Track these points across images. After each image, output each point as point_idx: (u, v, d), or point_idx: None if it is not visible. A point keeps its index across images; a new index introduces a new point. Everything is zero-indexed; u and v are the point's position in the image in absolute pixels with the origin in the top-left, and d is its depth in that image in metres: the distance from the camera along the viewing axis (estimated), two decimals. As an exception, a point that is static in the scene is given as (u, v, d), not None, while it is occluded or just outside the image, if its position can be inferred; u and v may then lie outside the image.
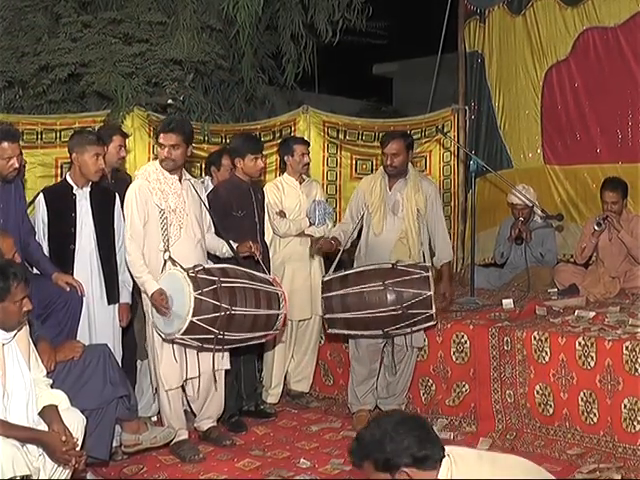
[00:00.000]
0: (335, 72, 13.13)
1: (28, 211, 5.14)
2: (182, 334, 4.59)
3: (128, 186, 5.06)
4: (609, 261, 6.50)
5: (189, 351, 4.94)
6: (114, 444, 4.74)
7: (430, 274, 5.16)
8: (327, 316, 5.21)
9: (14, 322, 3.60)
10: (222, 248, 5.23)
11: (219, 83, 9.07)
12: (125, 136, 5.67)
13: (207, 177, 6.35)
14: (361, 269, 5.31)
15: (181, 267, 4.70)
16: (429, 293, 5.09)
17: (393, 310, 5.06)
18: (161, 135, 4.94)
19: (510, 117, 8.23)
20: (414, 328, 5.29)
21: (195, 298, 4.53)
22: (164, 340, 4.83)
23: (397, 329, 5.20)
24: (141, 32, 7.59)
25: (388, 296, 5.08)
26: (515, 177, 7.74)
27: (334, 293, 5.16)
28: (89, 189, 5.01)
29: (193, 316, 4.52)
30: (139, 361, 5.55)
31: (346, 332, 5.37)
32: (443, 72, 9.02)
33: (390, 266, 5.21)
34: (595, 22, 7.51)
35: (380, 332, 5.23)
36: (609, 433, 4.81)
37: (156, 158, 5.17)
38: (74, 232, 4.93)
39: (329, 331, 5.34)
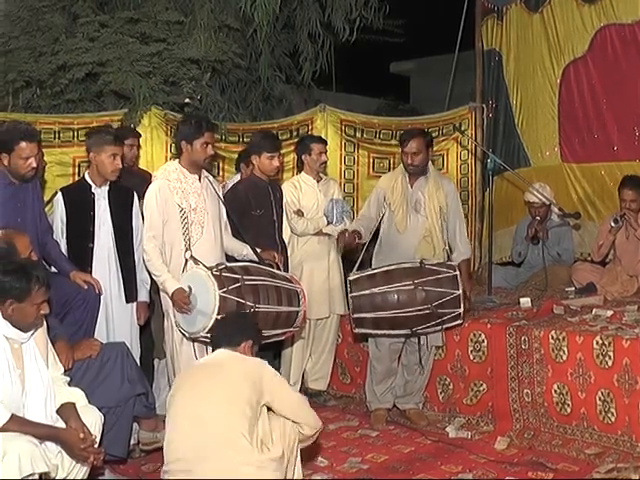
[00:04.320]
0: (352, 70, 13.11)
1: (46, 210, 5.18)
2: (206, 332, 4.58)
3: (142, 183, 5.09)
4: (626, 259, 6.46)
5: (210, 349, 4.94)
6: (132, 442, 4.76)
7: (458, 273, 5.15)
8: (355, 315, 5.14)
9: (29, 323, 3.62)
10: (242, 250, 5.23)
11: (236, 82, 9.10)
12: (137, 135, 5.76)
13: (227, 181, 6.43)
14: (389, 268, 5.24)
15: (204, 266, 4.71)
16: (458, 292, 5.08)
17: (423, 309, 5.05)
18: (208, 134, 4.92)
19: (527, 115, 8.21)
20: (442, 327, 5.28)
21: (220, 296, 4.52)
22: (187, 339, 4.84)
23: (424, 328, 5.20)
24: (158, 31, 7.62)
25: (418, 295, 5.06)
26: (532, 175, 7.72)
27: (363, 292, 5.11)
28: (107, 188, 5.04)
29: (218, 314, 4.51)
30: (156, 360, 5.58)
31: (373, 332, 5.33)
32: (460, 70, 9.01)
33: (418, 265, 5.19)
34: (612, 19, 7.48)
35: (407, 331, 5.22)
36: (627, 433, 4.79)
37: (173, 157, 5.18)
38: (92, 231, 4.97)
39: (356, 331, 5.28)
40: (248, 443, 3.55)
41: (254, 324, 4.24)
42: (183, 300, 4.66)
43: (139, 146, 6.13)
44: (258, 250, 5.19)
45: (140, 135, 6.21)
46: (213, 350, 4.05)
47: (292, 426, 3.87)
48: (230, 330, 4.04)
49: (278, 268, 5.16)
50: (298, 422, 3.89)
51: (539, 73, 8.08)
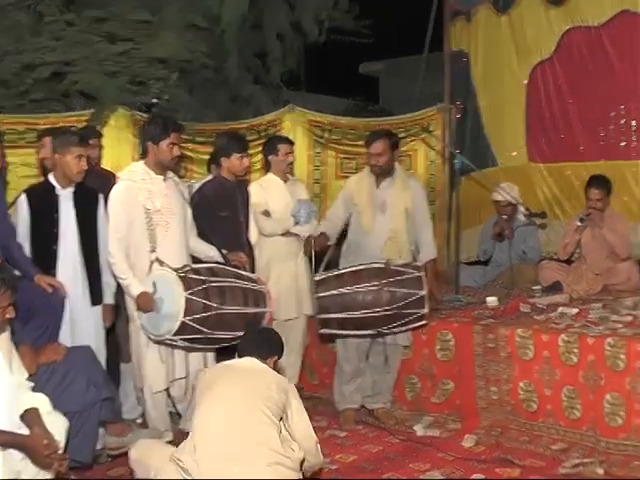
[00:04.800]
0: (321, 71, 13.15)
1: (9, 212, 5.11)
2: (173, 335, 4.55)
3: (106, 184, 5.06)
4: (592, 258, 6.56)
5: (177, 352, 4.92)
6: (98, 447, 4.68)
7: (423, 274, 5.17)
8: (321, 316, 5.15)
9: None
10: (208, 252, 5.20)
11: (204, 82, 9.09)
12: (99, 136, 5.82)
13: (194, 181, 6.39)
14: (355, 268, 5.25)
15: (169, 267, 4.68)
16: (422, 293, 5.09)
17: (388, 310, 5.06)
18: (174, 135, 4.91)
19: (495, 116, 8.28)
20: (406, 327, 5.32)
21: (186, 298, 4.48)
22: (153, 342, 4.80)
23: (389, 328, 5.21)
24: (125, 31, 7.60)
25: (383, 296, 5.06)
26: (500, 175, 7.79)
27: (329, 293, 5.11)
28: (72, 189, 4.97)
29: (184, 316, 4.48)
30: (123, 364, 5.52)
31: (338, 332, 5.34)
32: (429, 71, 9.02)
33: (383, 265, 5.20)
34: (579, 21, 7.58)
35: (372, 331, 5.23)
36: (592, 428, 4.85)
37: (140, 159, 5.15)
38: (57, 233, 4.89)
39: (322, 331, 5.28)
40: (278, 439, 3.60)
41: (281, 341, 4.22)
42: (148, 304, 4.63)
43: (101, 146, 6.09)
44: (225, 252, 5.18)
45: (102, 135, 6.17)
46: (239, 356, 4.00)
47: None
48: (261, 342, 4.06)
49: (245, 270, 5.15)
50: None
51: (507, 74, 8.16)
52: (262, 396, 3.67)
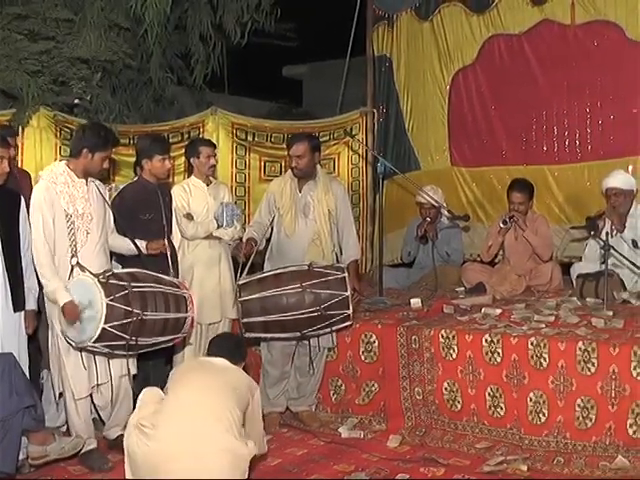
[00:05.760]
0: (245, 73, 13.09)
1: None
2: (94, 342, 4.47)
3: (24, 184, 4.94)
4: (515, 259, 6.70)
5: (98, 357, 4.82)
6: (20, 456, 4.56)
7: (346, 275, 5.19)
8: (245, 320, 5.13)
9: None
10: (129, 245, 5.13)
11: (127, 83, 8.98)
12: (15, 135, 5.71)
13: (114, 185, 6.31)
14: (278, 271, 5.27)
15: (90, 273, 4.59)
16: (346, 294, 5.11)
17: (312, 312, 5.07)
18: (111, 149, 4.91)
19: (418, 120, 8.39)
20: (331, 329, 5.33)
21: (107, 304, 4.41)
22: (74, 348, 4.70)
23: (314, 330, 5.22)
24: (47, 29, 7.44)
25: (306, 298, 5.07)
26: (423, 179, 7.88)
27: (252, 296, 5.10)
28: (-7, 191, 4.82)
29: (105, 323, 4.40)
30: (45, 371, 5.39)
31: (263, 335, 5.34)
32: (352, 75, 9.11)
33: (306, 268, 5.21)
34: (500, 29, 7.78)
35: (297, 334, 5.23)
36: (515, 426, 4.94)
37: (63, 158, 5.04)
38: (-23, 237, 4.74)
39: (246, 335, 5.24)
40: (237, 429, 3.91)
41: (246, 349, 4.62)
42: (74, 314, 4.54)
43: (17, 145, 5.94)
44: (143, 242, 5.16)
45: (17, 134, 6.06)
46: (209, 356, 4.36)
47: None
48: (233, 346, 4.41)
49: (166, 257, 5.15)
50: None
51: (429, 79, 8.29)
52: (231, 389, 4.02)
